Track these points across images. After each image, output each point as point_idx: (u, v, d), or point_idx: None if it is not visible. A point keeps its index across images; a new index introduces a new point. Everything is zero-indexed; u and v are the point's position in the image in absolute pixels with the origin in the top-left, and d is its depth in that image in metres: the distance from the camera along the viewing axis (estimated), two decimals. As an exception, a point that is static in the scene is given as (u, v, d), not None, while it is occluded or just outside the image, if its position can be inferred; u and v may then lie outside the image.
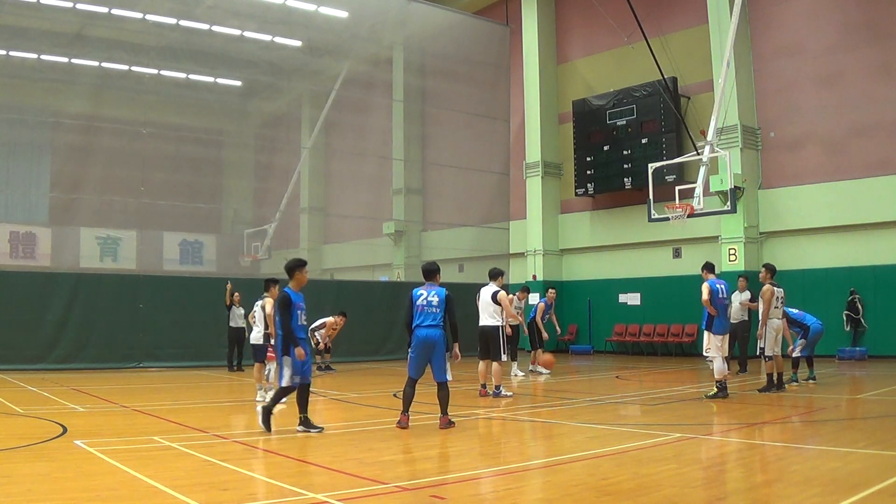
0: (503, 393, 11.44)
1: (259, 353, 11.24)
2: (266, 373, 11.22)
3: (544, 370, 15.43)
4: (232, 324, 16.22)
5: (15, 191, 25.02)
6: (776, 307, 11.28)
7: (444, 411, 8.28)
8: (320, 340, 16.27)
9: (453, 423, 8.30)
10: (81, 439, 7.38)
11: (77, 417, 9.21)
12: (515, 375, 14.66)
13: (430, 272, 8.53)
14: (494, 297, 11.50)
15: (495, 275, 11.80)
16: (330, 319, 16.33)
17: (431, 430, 8.15)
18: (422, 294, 8.32)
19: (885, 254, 17.57)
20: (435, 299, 8.23)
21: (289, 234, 28.16)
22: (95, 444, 7.18)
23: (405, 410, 8.27)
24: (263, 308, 11.12)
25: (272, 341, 10.94)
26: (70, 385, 13.11)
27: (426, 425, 8.42)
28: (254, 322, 11.53)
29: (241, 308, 16.25)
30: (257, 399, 10.77)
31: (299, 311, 7.96)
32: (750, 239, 19.44)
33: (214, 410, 10.80)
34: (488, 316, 11.58)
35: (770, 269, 11.55)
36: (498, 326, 11.52)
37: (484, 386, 11.56)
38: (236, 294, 16.26)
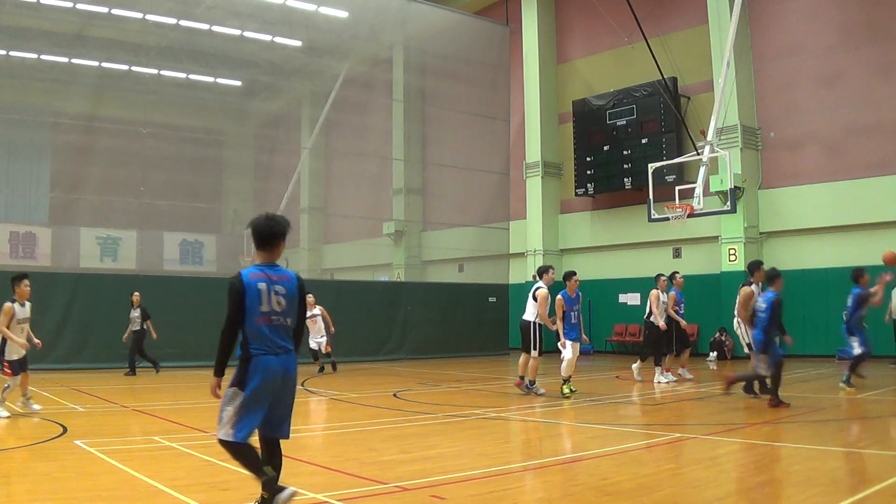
0: (536, 389, 11.60)
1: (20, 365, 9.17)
2: (5, 387, 9.15)
3: (688, 375, 14.03)
4: None
5: (15, 191, 25.03)
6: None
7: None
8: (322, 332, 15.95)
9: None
10: (81, 439, 7.37)
11: (77, 417, 9.20)
12: (659, 382, 13.27)
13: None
14: (534, 293, 11.69)
15: (541, 272, 11.89)
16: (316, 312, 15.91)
17: (431, 429, 8.16)
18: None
19: (884, 254, 17.54)
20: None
21: (289, 235, 28.14)
22: (95, 444, 7.17)
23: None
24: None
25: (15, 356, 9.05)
26: (70, 385, 13.10)
27: (426, 425, 8.43)
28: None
29: None
30: (18, 405, 9.38)
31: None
32: (750, 239, 19.43)
33: (214, 410, 10.77)
34: (529, 310, 11.79)
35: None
36: (530, 322, 11.67)
37: (522, 378, 11.75)
38: None
